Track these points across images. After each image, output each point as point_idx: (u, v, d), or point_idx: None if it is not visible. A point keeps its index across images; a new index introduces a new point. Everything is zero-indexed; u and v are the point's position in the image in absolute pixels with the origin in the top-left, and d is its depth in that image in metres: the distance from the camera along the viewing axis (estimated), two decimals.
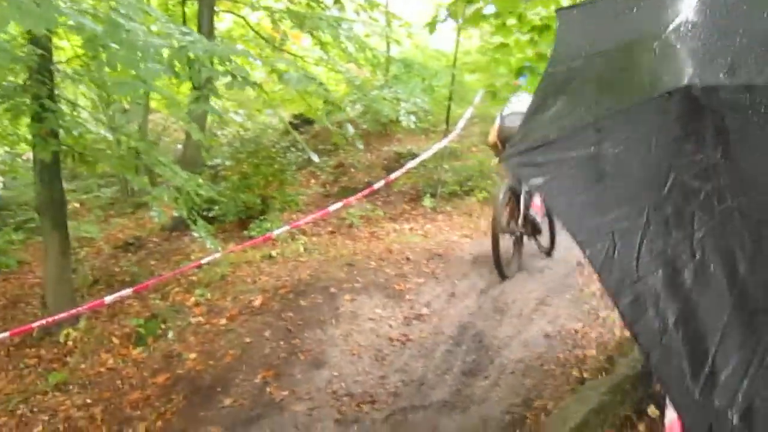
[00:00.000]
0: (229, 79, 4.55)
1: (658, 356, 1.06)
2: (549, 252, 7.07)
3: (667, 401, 2.84)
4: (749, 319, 1.00)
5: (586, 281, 6.56)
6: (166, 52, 4.69)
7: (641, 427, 3.83)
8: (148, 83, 4.62)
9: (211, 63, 4.96)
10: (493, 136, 6.61)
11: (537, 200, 6.55)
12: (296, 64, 6.23)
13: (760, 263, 1.02)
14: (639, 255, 1.12)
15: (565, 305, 6.03)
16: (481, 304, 6.30)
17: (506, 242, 6.56)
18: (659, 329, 1.05)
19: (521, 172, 1.46)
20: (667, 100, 1.22)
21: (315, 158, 6.43)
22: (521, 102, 6.12)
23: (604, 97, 1.39)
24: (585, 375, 4.62)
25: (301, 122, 13.31)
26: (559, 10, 2.02)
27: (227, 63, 4.51)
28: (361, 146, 9.30)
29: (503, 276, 6.49)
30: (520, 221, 6.60)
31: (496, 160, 8.85)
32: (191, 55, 4.50)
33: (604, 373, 4.42)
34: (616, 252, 1.15)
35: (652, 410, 3.86)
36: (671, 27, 1.38)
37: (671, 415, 2.71)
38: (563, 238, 8.41)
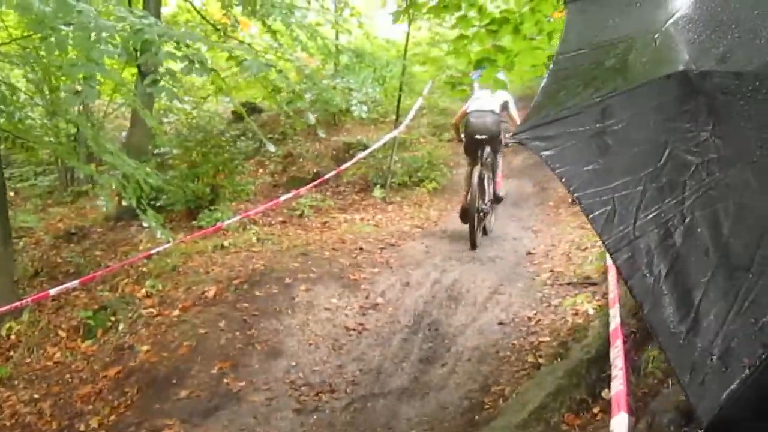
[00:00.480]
0: (186, 64, 4.45)
1: (650, 306, 1.18)
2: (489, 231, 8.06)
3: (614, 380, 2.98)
4: (730, 274, 1.14)
5: (537, 270, 6.74)
6: (119, 35, 4.56)
7: (596, 409, 3.96)
8: (100, 66, 4.48)
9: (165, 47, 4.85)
10: (457, 118, 8.09)
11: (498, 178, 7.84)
12: (254, 50, 6.12)
13: (741, 227, 1.16)
14: (636, 219, 1.25)
15: (518, 293, 6.17)
16: (436, 293, 6.38)
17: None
18: (651, 283, 1.18)
19: (532, 144, 1.51)
20: (665, 82, 1.37)
21: (271, 148, 6.36)
22: (484, 100, 7.48)
23: (610, 80, 1.53)
24: (540, 360, 4.75)
25: (248, 111, 13.12)
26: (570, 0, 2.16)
27: (185, 48, 4.41)
28: (323, 134, 9.24)
29: (474, 245, 7.39)
30: (487, 201, 7.60)
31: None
32: (147, 38, 4.37)
33: (559, 359, 4.55)
34: (615, 216, 1.28)
35: (606, 393, 4.01)
36: (671, 20, 1.54)
37: (616, 388, 2.84)
38: (511, 229, 8.64)
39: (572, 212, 9.20)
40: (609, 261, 4.63)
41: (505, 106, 7.72)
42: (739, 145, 1.25)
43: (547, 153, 1.47)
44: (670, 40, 1.50)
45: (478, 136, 7.28)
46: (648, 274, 1.19)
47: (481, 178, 7.35)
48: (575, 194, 1.38)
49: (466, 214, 7.38)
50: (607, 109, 1.41)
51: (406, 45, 11.04)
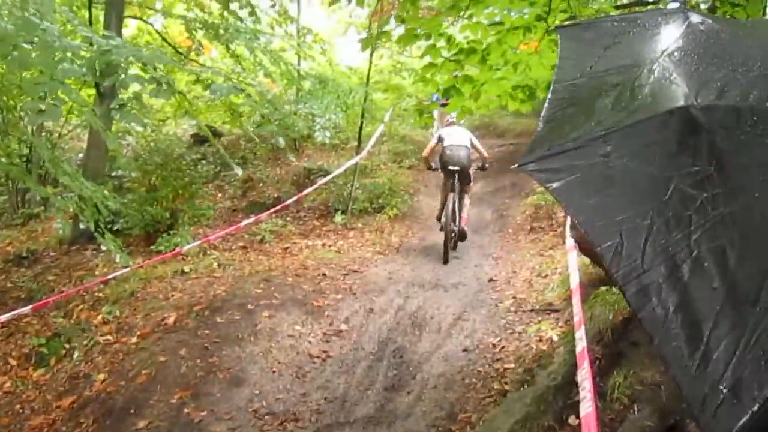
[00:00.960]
0: (153, 86, 4.39)
1: (660, 338, 1.20)
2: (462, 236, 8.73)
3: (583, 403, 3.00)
4: (738, 307, 1.18)
5: (499, 297, 6.80)
6: (85, 55, 4.48)
7: None
8: (64, 85, 4.38)
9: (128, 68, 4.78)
10: (427, 152, 8.93)
11: (465, 215, 8.67)
12: (222, 73, 6.08)
13: (747, 261, 1.20)
14: (644, 252, 1.28)
15: (482, 320, 6.21)
16: (400, 320, 6.37)
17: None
18: (661, 316, 1.21)
19: (538, 176, 1.53)
20: (668, 118, 1.42)
21: (239, 171, 6.30)
22: (456, 136, 8.44)
23: (612, 113, 1.56)
24: (506, 387, 4.77)
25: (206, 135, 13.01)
26: (560, 27, 2.24)
27: (152, 70, 4.35)
28: (293, 158, 9.21)
29: (447, 261, 8.22)
30: (458, 223, 8.45)
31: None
32: (114, 59, 4.31)
33: (525, 385, 4.58)
34: (623, 249, 1.30)
35: (572, 420, 4.05)
36: (666, 52, 1.62)
37: (585, 410, 2.87)
38: (473, 256, 8.73)
39: (531, 240, 9.36)
40: (573, 285, 4.70)
41: (471, 142, 8.53)
42: (742, 179, 1.30)
43: (553, 185, 1.48)
44: (668, 72, 1.56)
45: (451, 167, 8.26)
46: (658, 308, 1.21)
47: (454, 203, 8.30)
48: (583, 227, 1.42)
49: (445, 239, 8.23)
50: (611, 142, 1.45)
51: (369, 72, 11.15)
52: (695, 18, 1.74)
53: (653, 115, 1.47)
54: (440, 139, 8.52)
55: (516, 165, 1.57)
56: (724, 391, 1.10)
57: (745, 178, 1.31)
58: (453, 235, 8.34)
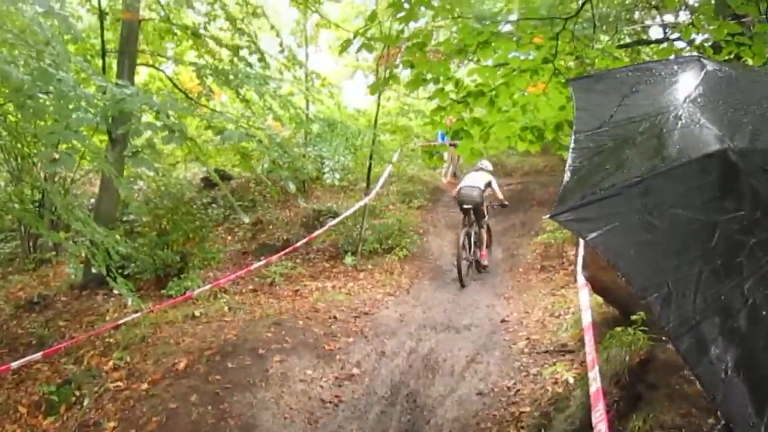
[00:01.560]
0: (166, 133, 4.44)
1: (722, 397, 1.12)
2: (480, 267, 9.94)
3: None
4: None
5: (512, 338, 6.73)
6: (99, 103, 4.55)
7: None
8: (78, 134, 4.45)
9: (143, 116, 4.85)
10: (456, 194, 10.03)
11: (483, 248, 9.93)
12: (233, 119, 6.16)
13: None
14: (695, 302, 1.20)
15: (496, 362, 6.13)
16: (412, 363, 6.31)
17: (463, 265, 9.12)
18: (721, 372, 1.12)
19: (574, 226, 1.49)
20: (707, 161, 1.37)
21: (245, 219, 6.31)
22: (472, 178, 9.83)
23: (644, 159, 1.51)
24: None
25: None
26: (571, 80, 2.21)
27: (165, 117, 4.41)
28: (303, 202, 9.26)
29: (463, 285, 9.06)
30: (472, 252, 9.56)
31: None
32: (127, 107, 4.38)
33: (542, 430, 4.50)
34: (673, 299, 1.23)
35: None
36: (689, 98, 1.58)
37: None
38: (484, 296, 8.67)
39: (542, 279, 9.30)
40: (586, 324, 4.65)
41: (488, 185, 9.81)
42: None
43: (591, 235, 1.42)
44: (696, 117, 1.53)
45: (465, 206, 9.50)
46: (716, 362, 1.14)
47: (467, 237, 9.37)
48: (626, 277, 1.35)
49: (458, 267, 9.12)
50: (649, 189, 1.40)
51: (377, 114, 11.27)
52: (711, 65, 1.72)
53: (690, 159, 1.42)
54: (459, 189, 9.86)
55: (548, 216, 1.52)
56: None
57: None
58: (467, 263, 9.41)
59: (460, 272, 9.00)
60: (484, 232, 9.93)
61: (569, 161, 1.68)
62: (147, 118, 4.92)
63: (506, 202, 10.21)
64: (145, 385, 5.71)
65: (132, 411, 5.39)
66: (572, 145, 1.72)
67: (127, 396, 5.61)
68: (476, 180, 9.76)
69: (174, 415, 5.25)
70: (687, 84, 1.66)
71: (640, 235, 1.37)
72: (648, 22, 12.04)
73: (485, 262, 9.87)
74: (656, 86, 1.80)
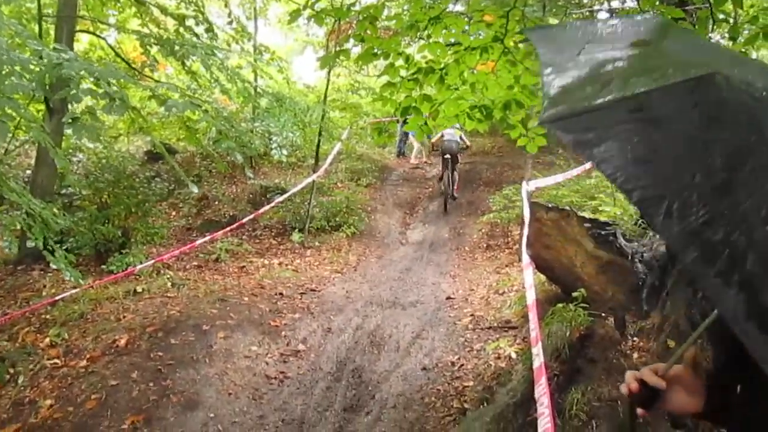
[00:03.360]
0: (106, 101, 4.28)
1: (729, 311, 1.06)
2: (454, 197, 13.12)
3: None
4: None
5: (457, 314, 6.82)
6: (35, 69, 4.35)
7: None
8: (12, 101, 4.25)
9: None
10: (435, 140, 13.12)
11: (456, 185, 13.15)
12: (178, 88, 5.95)
13: None
14: (698, 215, 1.15)
15: (440, 338, 6.21)
16: (358, 339, 6.33)
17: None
18: (723, 283, 1.07)
19: (563, 135, 1.33)
20: (700, 82, 1.33)
21: (194, 189, 6.15)
22: (451, 134, 12.40)
23: (634, 78, 1.42)
24: (466, 406, 4.77)
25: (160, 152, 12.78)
26: (528, 30, 2.11)
27: (106, 85, 4.24)
28: (251, 175, 9.09)
29: (446, 210, 12.54)
30: (452, 189, 12.87)
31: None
32: (65, 73, 4.19)
33: (485, 404, 4.59)
34: (674, 212, 1.17)
35: None
36: (665, 41, 1.58)
37: (543, 426, 2.87)
38: (430, 274, 8.75)
39: (487, 257, 9.46)
40: (530, 301, 4.75)
41: (461, 137, 12.86)
42: None
43: (582, 145, 1.34)
44: (677, 51, 1.52)
45: (447, 155, 12.54)
46: (722, 276, 1.09)
47: (448, 177, 12.64)
48: (623, 187, 1.26)
49: (442, 195, 12.96)
50: (644, 102, 1.33)
51: (326, 90, 11.16)
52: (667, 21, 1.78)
53: (684, 79, 1.36)
54: (442, 135, 12.47)
55: (536, 123, 1.38)
56: None
57: None
58: (450, 195, 12.71)
59: (446, 202, 12.59)
60: (457, 174, 13.10)
61: (545, 82, 1.51)
62: (88, 86, 4.74)
63: (469, 143, 13.85)
64: (83, 363, 5.55)
65: (69, 389, 5.23)
66: (545, 71, 1.56)
67: (64, 374, 5.44)
68: (454, 135, 12.50)
69: (114, 392, 5.13)
70: (652, 31, 1.65)
71: (638, 146, 1.30)
72: (596, 7, 12.23)
73: (457, 195, 13.14)
74: (623, 30, 1.75)
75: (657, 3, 5.51)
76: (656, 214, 1.17)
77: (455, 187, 13.03)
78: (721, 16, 4.61)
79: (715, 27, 4.90)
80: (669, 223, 1.15)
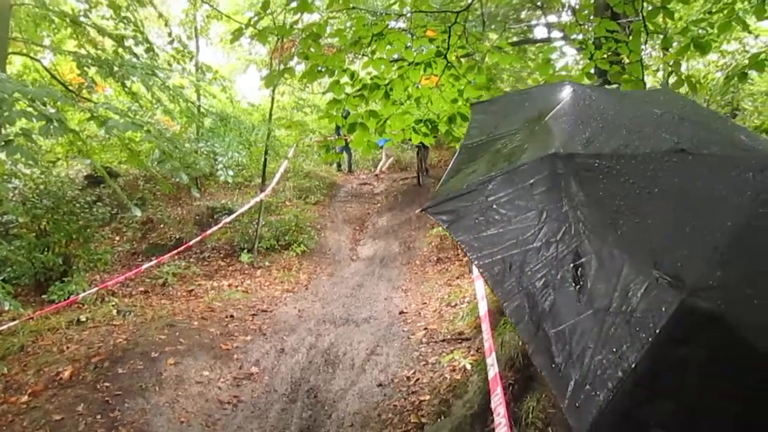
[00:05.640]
0: (43, 123, 4.13)
1: (534, 347, 1.43)
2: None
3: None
4: (594, 315, 1.40)
5: (411, 329, 6.82)
6: None
7: None
8: None
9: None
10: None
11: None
12: (119, 109, 5.78)
13: (602, 275, 1.44)
14: (521, 274, 1.54)
15: (395, 353, 6.19)
16: (312, 358, 6.26)
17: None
18: (534, 327, 1.45)
19: (437, 218, 1.83)
20: (539, 163, 1.72)
21: (137, 212, 5.97)
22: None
23: (497, 163, 1.90)
24: (423, 420, 4.76)
25: (101, 176, 12.41)
26: (474, 104, 2.75)
27: (41, 106, 4.10)
28: (198, 194, 8.91)
29: (420, 184, 14.88)
30: (423, 166, 15.18)
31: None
32: None
33: (442, 417, 4.59)
34: (504, 273, 1.57)
35: None
36: (550, 115, 1.97)
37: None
38: (382, 289, 8.75)
39: (438, 270, 9.51)
40: (482, 312, 4.79)
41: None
42: (599, 209, 1.58)
43: (447, 225, 1.79)
44: (547, 129, 1.91)
45: (419, 145, 13.62)
46: (532, 319, 1.46)
47: (421, 161, 15.07)
48: (472, 258, 1.68)
49: (417, 174, 15.28)
50: (493, 186, 1.77)
51: (271, 109, 11.10)
52: (580, 89, 2.11)
53: (528, 161, 1.77)
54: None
55: (419, 210, 1.98)
56: (587, 385, 1.30)
57: (602, 207, 1.59)
58: (421, 173, 15.05)
59: (419, 177, 14.94)
60: (426, 155, 15.29)
61: (451, 164, 2.08)
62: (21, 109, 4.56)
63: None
64: (25, 398, 5.31)
65: (11, 426, 4.99)
66: (455, 155, 2.14)
67: (4, 410, 5.19)
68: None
69: (59, 428, 4.92)
70: (551, 104, 2.03)
71: (483, 224, 1.71)
72: (534, 22, 12.56)
73: (427, 172, 15.28)
74: (530, 106, 2.21)
75: (591, 18, 5.71)
76: (492, 278, 1.58)
77: (426, 167, 15.35)
78: (653, 29, 4.79)
79: (647, 39, 5.10)
80: (501, 283, 1.55)
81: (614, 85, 5.50)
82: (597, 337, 1.35)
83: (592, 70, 5.13)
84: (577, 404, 1.30)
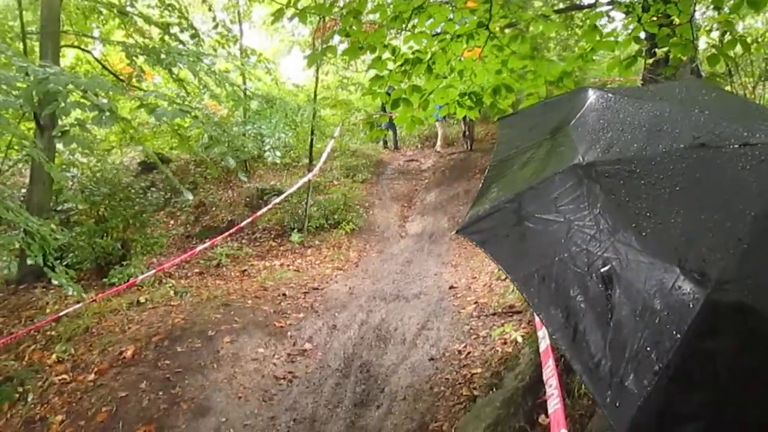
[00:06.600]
0: (95, 113, 4.26)
1: (572, 354, 1.51)
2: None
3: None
4: (625, 318, 1.46)
5: (461, 303, 6.82)
6: (21, 85, 4.33)
7: None
8: (1, 117, 4.24)
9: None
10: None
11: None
12: (167, 96, 5.92)
13: (628, 280, 1.51)
14: (554, 285, 1.63)
15: (446, 328, 6.21)
16: (364, 334, 6.33)
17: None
18: (572, 334, 1.53)
19: (470, 237, 1.98)
20: (561, 176, 1.80)
21: (189, 196, 6.14)
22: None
23: (523, 179, 1.98)
24: (475, 393, 4.77)
25: (153, 162, 12.75)
26: (501, 118, 2.81)
27: (94, 96, 4.23)
28: (245, 177, 9.10)
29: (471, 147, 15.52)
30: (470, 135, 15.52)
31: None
32: (52, 87, 4.17)
33: (494, 389, 4.59)
34: (540, 286, 1.65)
35: (543, 419, 4.07)
36: (570, 124, 2.03)
37: (553, 407, 2.89)
38: (431, 265, 8.75)
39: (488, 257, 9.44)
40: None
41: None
42: (622, 214, 1.63)
43: (481, 244, 1.91)
44: (569, 139, 1.97)
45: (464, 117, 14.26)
46: (567, 327, 1.54)
47: (468, 128, 15.39)
48: (509, 274, 1.81)
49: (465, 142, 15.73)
50: (520, 203, 1.86)
51: (316, 89, 11.14)
52: (596, 94, 2.16)
53: (551, 175, 1.84)
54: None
55: (454, 232, 2.05)
56: (623, 386, 1.37)
57: (624, 212, 1.63)
58: (468, 141, 15.66)
59: (467, 144, 15.49)
60: (472, 128, 15.51)
61: (482, 184, 2.18)
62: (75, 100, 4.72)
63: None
64: (91, 376, 5.56)
65: (80, 403, 5.24)
66: (486, 173, 2.24)
67: (73, 388, 5.45)
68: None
69: (124, 404, 5.14)
70: (572, 112, 2.09)
71: (513, 240, 1.83)
72: None
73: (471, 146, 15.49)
74: (552, 116, 2.27)
75: None
76: (529, 291, 1.66)
77: (472, 135, 15.61)
78: None
79: None
80: (537, 293, 1.64)
81: (663, 49, 5.32)
82: (630, 337, 1.41)
83: (641, 35, 4.98)
84: (617, 404, 1.37)
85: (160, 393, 5.26)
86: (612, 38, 4.94)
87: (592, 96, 2.14)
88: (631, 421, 1.32)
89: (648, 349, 1.37)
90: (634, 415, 1.32)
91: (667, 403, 1.34)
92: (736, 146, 1.70)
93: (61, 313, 6.35)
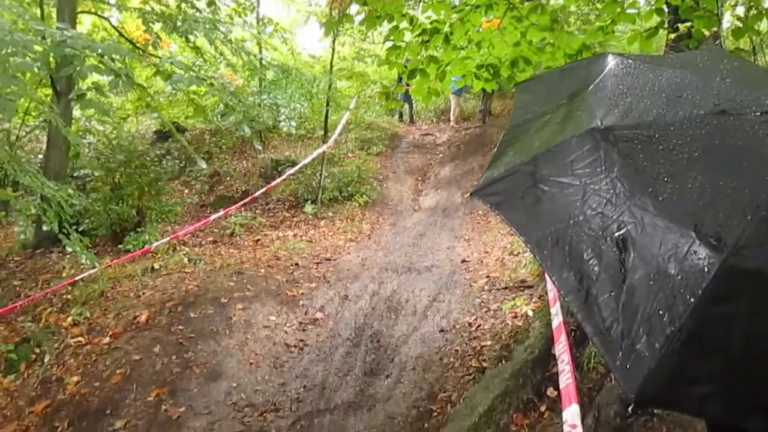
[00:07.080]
0: (112, 78, 4.27)
1: (583, 315, 1.50)
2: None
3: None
4: (639, 281, 1.45)
5: (473, 276, 6.83)
6: (38, 48, 4.34)
7: (543, 407, 4.04)
8: (17, 79, 4.25)
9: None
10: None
11: None
12: (183, 63, 5.92)
13: (643, 243, 1.49)
14: (568, 248, 1.61)
15: (457, 300, 6.24)
16: (375, 305, 6.37)
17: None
18: (584, 296, 1.52)
19: (485, 199, 1.94)
20: (578, 139, 1.77)
21: (202, 164, 6.18)
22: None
23: (539, 141, 1.97)
24: (484, 364, 4.80)
25: (169, 130, 12.78)
26: (518, 83, 2.83)
27: (111, 61, 4.23)
28: (259, 146, 9.12)
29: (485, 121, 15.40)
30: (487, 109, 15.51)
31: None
32: (69, 51, 4.18)
33: (503, 361, 4.62)
34: (553, 249, 1.64)
35: (551, 391, 4.10)
36: (589, 88, 2.01)
37: (565, 381, 2.90)
38: (444, 239, 8.76)
39: (501, 220, 9.41)
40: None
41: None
42: (639, 179, 1.61)
43: (495, 206, 1.90)
44: (586, 103, 1.95)
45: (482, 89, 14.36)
46: (580, 290, 1.53)
47: (485, 103, 15.43)
48: (522, 236, 1.77)
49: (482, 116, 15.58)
50: (536, 165, 1.84)
51: (332, 60, 11.07)
52: (615, 59, 2.13)
53: (567, 138, 1.82)
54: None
55: (468, 194, 1.91)
56: (636, 347, 1.37)
57: (642, 176, 1.61)
58: (486, 112, 15.66)
59: (484, 117, 15.40)
60: (489, 101, 15.53)
61: (497, 147, 2.16)
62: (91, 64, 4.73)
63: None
64: (106, 339, 5.66)
65: (95, 365, 5.34)
66: (502, 137, 2.22)
67: (88, 351, 5.55)
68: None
69: (138, 367, 5.24)
70: (591, 77, 2.07)
71: (527, 202, 1.80)
72: None
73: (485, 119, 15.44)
74: (570, 82, 2.24)
75: None
76: (542, 251, 1.66)
77: (490, 110, 15.63)
78: None
79: None
80: (550, 255, 1.64)
81: (686, 23, 5.22)
82: (643, 301, 1.40)
83: (664, 7, 4.88)
84: (627, 366, 1.36)
85: (173, 357, 5.35)
86: (633, 10, 4.85)
87: (611, 61, 2.11)
88: (641, 383, 1.33)
89: (661, 312, 1.37)
90: (645, 377, 1.32)
91: (678, 366, 1.35)
92: (757, 114, 1.67)
93: (77, 278, 6.44)
